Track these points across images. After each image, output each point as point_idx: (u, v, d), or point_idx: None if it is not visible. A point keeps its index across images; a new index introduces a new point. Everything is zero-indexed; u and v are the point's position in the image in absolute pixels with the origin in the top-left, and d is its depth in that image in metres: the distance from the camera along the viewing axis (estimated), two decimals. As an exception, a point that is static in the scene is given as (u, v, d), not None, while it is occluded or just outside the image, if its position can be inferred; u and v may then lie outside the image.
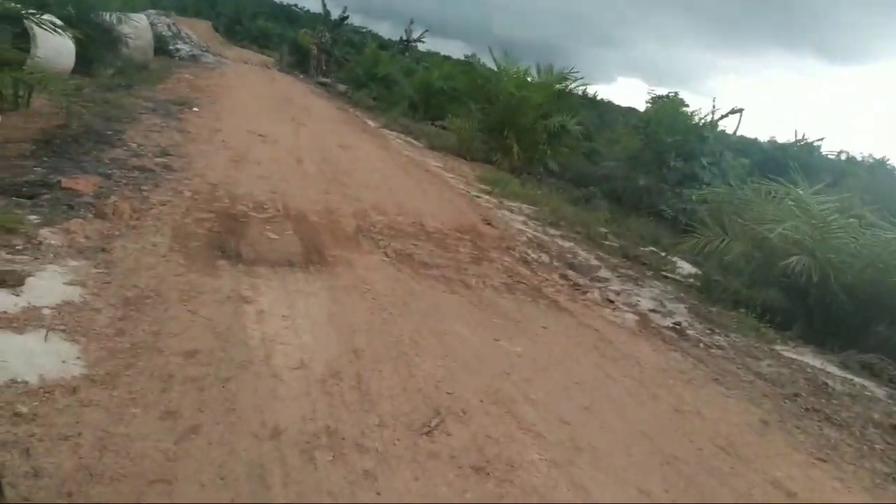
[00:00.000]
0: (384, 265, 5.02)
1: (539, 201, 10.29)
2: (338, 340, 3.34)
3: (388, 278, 4.67)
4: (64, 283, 3.19)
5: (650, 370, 4.17)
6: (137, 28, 14.23)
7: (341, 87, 24.12)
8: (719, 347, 5.33)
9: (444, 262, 5.57)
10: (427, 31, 32.45)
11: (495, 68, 14.89)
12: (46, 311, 2.86)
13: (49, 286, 3.11)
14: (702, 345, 5.23)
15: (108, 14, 12.11)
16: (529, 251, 6.88)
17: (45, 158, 5.58)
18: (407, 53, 31.45)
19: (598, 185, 14.77)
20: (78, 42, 10.15)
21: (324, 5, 30.89)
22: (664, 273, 7.87)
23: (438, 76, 21.09)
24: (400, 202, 7.31)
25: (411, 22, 32.10)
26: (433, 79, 21.10)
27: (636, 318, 5.52)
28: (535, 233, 8.02)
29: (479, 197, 9.43)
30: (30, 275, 3.15)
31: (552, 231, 8.43)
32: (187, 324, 3.07)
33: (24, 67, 6.82)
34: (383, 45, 32.86)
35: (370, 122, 16.09)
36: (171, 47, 21.37)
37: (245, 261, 4.32)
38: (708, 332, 5.75)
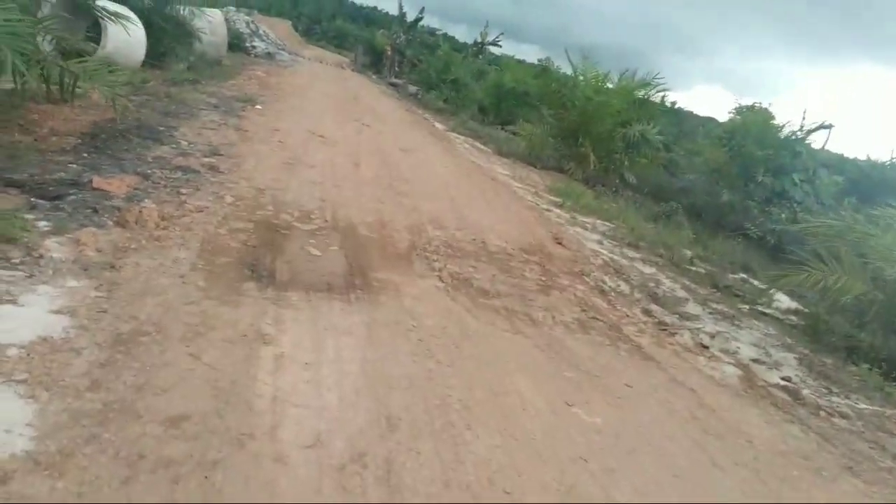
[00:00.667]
0: (437, 293, 4.31)
1: (615, 217, 9.39)
2: (369, 402, 2.63)
3: (439, 311, 3.95)
4: (50, 311, 2.64)
5: (766, 454, 3.26)
6: (212, 23, 14.24)
7: (412, 89, 23.77)
8: (843, 416, 4.33)
9: (507, 290, 4.82)
10: (503, 33, 31.61)
11: (571, 72, 14.00)
12: (12, 352, 2.29)
13: (30, 315, 2.56)
14: (822, 413, 4.25)
15: (182, 8, 12.04)
16: (606, 278, 6.02)
17: (85, 154, 5.20)
18: (481, 56, 30.78)
19: (677, 199, 13.61)
20: (151, 35, 10.06)
21: (400, 6, 30.75)
22: (760, 308, 6.84)
23: (511, 79, 20.31)
24: (461, 214, 6.61)
25: (486, 24, 31.40)
26: (505, 81, 20.35)
27: (738, 371, 4.58)
28: (612, 255, 7.13)
29: (549, 210, 8.60)
30: (12, 300, 2.63)
31: (631, 253, 7.51)
32: (183, 374, 2.45)
33: (85, 59, 6.56)
34: (457, 47, 32.33)
35: (437, 125, 15.50)
36: (247, 44, 21.58)
37: (277, 284, 3.72)
38: (825, 391, 4.75)
